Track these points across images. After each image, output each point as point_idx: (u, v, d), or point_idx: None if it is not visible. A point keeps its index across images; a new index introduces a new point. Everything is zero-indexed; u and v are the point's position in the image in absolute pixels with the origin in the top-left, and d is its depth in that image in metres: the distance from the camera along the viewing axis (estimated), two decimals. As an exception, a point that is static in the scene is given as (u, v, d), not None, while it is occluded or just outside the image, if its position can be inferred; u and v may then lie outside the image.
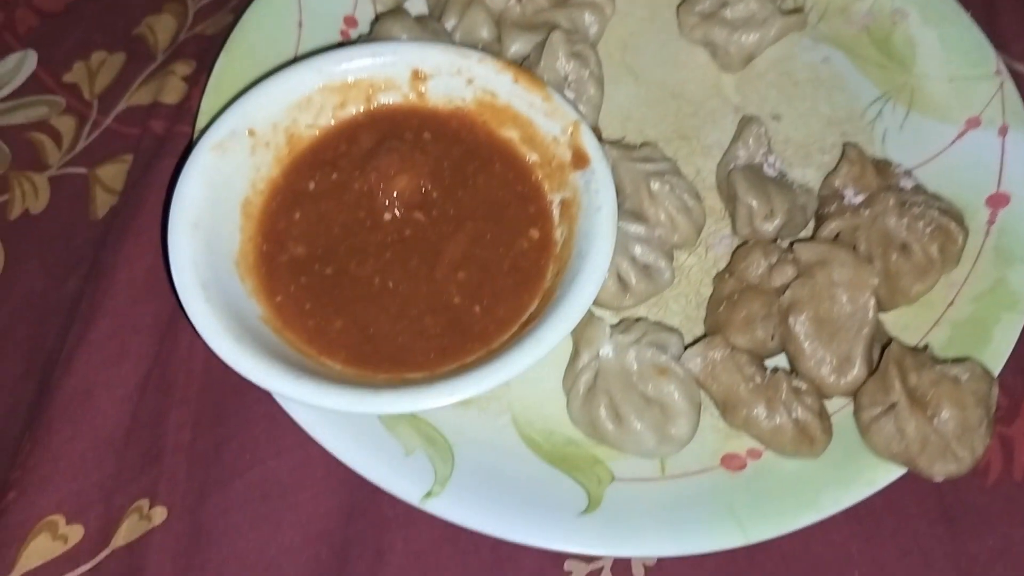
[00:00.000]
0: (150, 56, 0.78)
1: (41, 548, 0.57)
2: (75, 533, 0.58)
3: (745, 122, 0.68)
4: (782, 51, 0.74)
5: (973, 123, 0.68)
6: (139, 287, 0.65)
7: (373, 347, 0.58)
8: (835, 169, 0.66)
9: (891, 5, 0.74)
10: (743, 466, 0.58)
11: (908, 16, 0.74)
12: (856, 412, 0.56)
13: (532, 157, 0.64)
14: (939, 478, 0.53)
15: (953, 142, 0.68)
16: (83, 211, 0.71)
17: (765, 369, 0.58)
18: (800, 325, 0.57)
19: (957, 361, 0.56)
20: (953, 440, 0.52)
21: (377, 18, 0.71)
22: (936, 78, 0.71)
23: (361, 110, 0.66)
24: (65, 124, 0.75)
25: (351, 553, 0.57)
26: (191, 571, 0.57)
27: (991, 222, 0.64)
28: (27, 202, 0.72)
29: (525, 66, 0.69)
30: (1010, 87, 0.69)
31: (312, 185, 0.64)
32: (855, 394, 0.57)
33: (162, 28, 0.79)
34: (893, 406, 0.54)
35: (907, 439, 0.53)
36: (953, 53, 0.72)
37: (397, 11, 0.70)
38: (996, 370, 0.58)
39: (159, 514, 0.58)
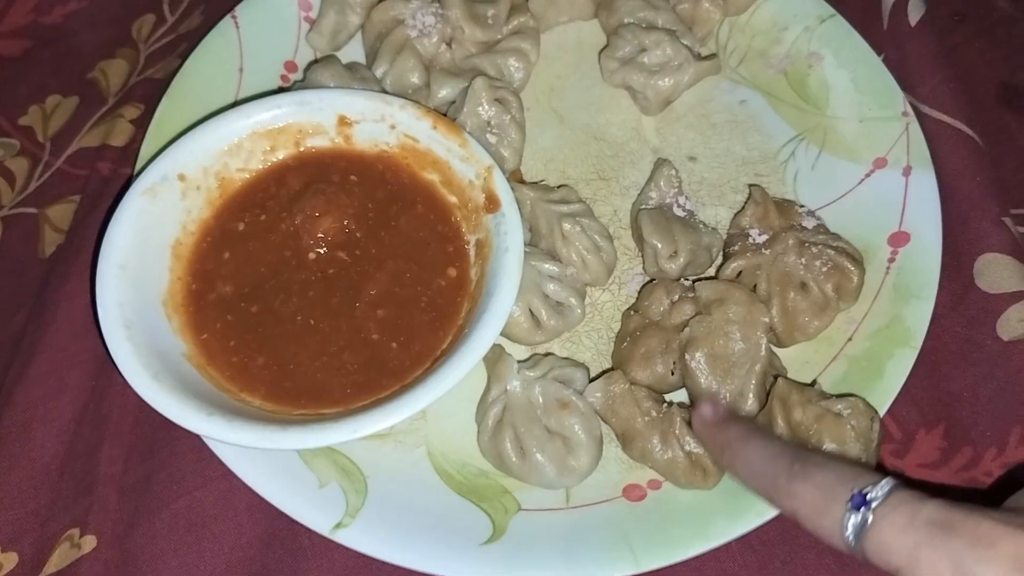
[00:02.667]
0: (101, 100, 0.81)
1: (-24, 575, 0.60)
2: (9, 560, 0.61)
3: (658, 165, 0.71)
4: (701, 94, 0.76)
5: (880, 163, 0.71)
6: (79, 324, 0.68)
7: (292, 383, 0.61)
8: (742, 209, 0.69)
9: (808, 48, 0.77)
10: (643, 496, 0.60)
11: (823, 59, 0.77)
12: (747, 445, 0.59)
13: (452, 199, 0.67)
14: (820, 509, 0.55)
15: (861, 181, 0.71)
16: (32, 250, 0.74)
17: (662, 403, 0.60)
18: (696, 361, 0.60)
19: (842, 397, 0.58)
20: (833, 473, 0.55)
21: (310, 64, 0.74)
22: (847, 119, 0.74)
23: (290, 154, 0.69)
24: (19, 165, 0.78)
25: (268, 580, 0.60)
26: (117, 598, 0.59)
27: (892, 260, 0.66)
28: (-20, 241, 0.75)
29: (452, 110, 0.72)
30: (915, 128, 0.71)
31: (241, 226, 0.67)
32: (747, 428, 0.59)
33: (114, 72, 0.83)
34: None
35: (789, 472, 0.55)
36: (864, 95, 0.74)
37: (328, 59, 0.73)
38: (886, 404, 0.60)
39: (89, 542, 0.61)
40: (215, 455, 0.60)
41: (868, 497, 0.43)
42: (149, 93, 0.80)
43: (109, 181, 0.75)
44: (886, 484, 0.43)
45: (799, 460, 0.47)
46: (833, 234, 0.66)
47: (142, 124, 0.77)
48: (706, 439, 0.56)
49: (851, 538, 0.43)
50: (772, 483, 0.48)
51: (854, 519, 0.43)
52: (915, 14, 0.78)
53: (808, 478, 0.46)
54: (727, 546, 0.57)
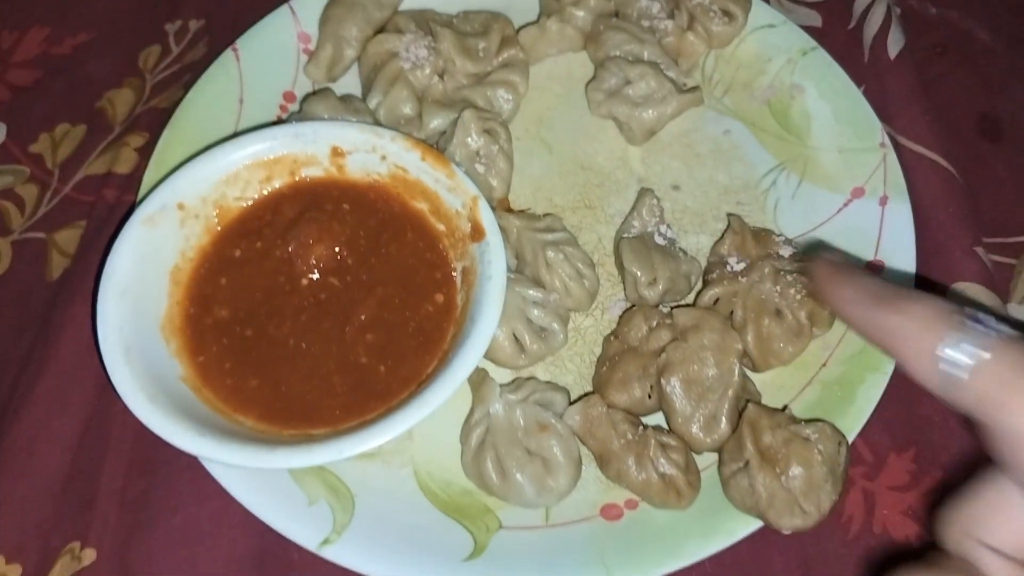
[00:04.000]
0: (108, 128, 0.84)
1: (-19, 586, 0.63)
2: (13, 572, 0.64)
3: (641, 194, 0.73)
4: (687, 124, 0.78)
5: (858, 192, 0.73)
6: (83, 345, 0.71)
7: (283, 404, 0.64)
8: (721, 238, 0.71)
9: (790, 80, 0.79)
10: (620, 516, 0.62)
11: (805, 91, 0.79)
12: (719, 467, 0.61)
13: (440, 227, 0.70)
14: (787, 531, 0.57)
15: (839, 210, 0.73)
16: (40, 273, 0.77)
17: (638, 426, 0.62)
18: (671, 386, 0.62)
19: (811, 422, 0.60)
20: (800, 496, 0.57)
21: (306, 97, 0.77)
22: (828, 149, 0.76)
23: (286, 183, 0.72)
24: (28, 192, 0.82)
25: (260, 595, 0.62)
26: (115, 610, 0.62)
27: (866, 288, 0.68)
28: (-9, 265, 0.78)
29: (443, 140, 0.75)
30: (892, 159, 0.73)
31: (238, 252, 0.69)
32: (719, 450, 0.61)
33: (121, 101, 0.86)
34: (747, 463, 0.58)
35: (757, 494, 0.57)
36: (844, 126, 0.76)
37: (323, 91, 0.76)
38: (857, 428, 0.62)
39: (89, 555, 0.64)
40: (210, 473, 0.62)
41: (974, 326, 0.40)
42: (154, 122, 0.83)
43: (114, 208, 0.78)
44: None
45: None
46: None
47: (146, 152, 0.80)
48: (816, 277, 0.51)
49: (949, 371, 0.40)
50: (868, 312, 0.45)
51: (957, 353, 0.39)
52: (895, 47, 0.80)
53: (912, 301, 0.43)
54: (699, 564, 0.59)
